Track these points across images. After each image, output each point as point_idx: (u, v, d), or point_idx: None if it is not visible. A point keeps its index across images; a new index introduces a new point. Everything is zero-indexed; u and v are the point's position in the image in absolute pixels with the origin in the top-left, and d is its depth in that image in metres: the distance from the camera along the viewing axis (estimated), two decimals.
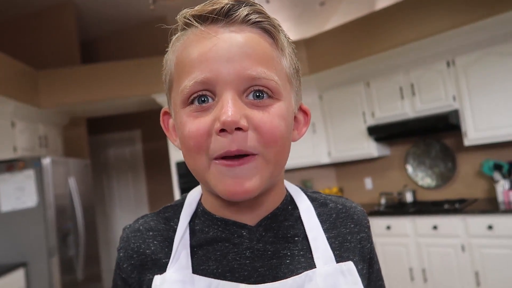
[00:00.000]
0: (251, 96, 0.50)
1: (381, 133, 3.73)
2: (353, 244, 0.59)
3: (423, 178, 3.86)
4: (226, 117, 0.46)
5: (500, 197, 3.21)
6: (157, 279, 0.54)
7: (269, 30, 0.52)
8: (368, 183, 4.27)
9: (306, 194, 0.62)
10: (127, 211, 5.60)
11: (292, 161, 4.15)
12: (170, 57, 0.56)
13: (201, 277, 0.53)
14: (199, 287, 0.52)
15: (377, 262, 0.65)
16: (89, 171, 4.29)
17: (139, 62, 3.97)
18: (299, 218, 0.58)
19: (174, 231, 0.57)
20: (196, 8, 0.51)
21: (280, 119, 0.50)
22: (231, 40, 0.49)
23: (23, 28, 4.52)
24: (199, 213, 0.58)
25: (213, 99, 0.50)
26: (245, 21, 0.50)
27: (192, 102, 0.50)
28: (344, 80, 3.96)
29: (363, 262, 0.60)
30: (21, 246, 3.40)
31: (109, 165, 5.67)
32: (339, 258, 0.56)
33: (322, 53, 3.91)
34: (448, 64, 3.34)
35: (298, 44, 4.05)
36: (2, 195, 3.42)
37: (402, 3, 3.46)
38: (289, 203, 0.59)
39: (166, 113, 0.60)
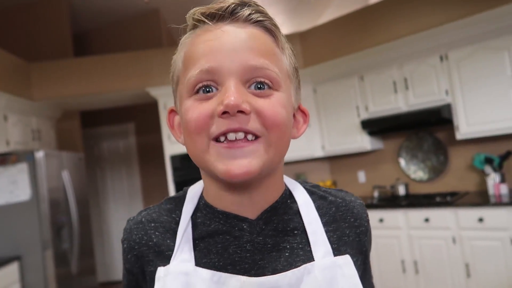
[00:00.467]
0: (253, 87, 0.52)
1: (374, 127, 3.76)
2: (351, 238, 0.60)
3: (416, 171, 3.91)
4: (228, 101, 0.48)
5: (491, 190, 3.26)
6: (161, 271, 0.55)
7: (271, 29, 0.55)
8: (361, 176, 4.31)
9: (305, 188, 0.63)
10: (121, 204, 5.60)
11: (287, 154, 4.16)
12: (178, 56, 0.57)
13: (203, 269, 0.54)
14: (202, 279, 0.53)
15: (368, 268, 0.66)
16: (82, 164, 4.28)
17: (133, 55, 3.95)
18: (298, 211, 0.59)
19: (177, 223, 0.59)
20: (204, 7, 0.54)
21: (281, 106, 0.53)
22: (236, 34, 0.52)
23: (15, 20, 4.47)
24: (201, 206, 0.59)
25: (217, 89, 0.51)
26: (248, 19, 0.53)
27: (197, 92, 0.52)
28: (338, 74, 3.97)
29: (359, 255, 0.61)
30: (15, 239, 3.39)
31: (103, 158, 5.66)
32: (337, 252, 0.57)
33: (317, 47, 3.92)
34: (441, 58, 3.36)
35: (292, 38, 4.06)
36: None
37: None
38: (288, 196, 0.61)
39: (172, 111, 0.61)
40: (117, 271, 5.55)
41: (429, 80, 3.43)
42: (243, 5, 0.53)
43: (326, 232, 0.58)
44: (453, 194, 3.48)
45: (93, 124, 5.42)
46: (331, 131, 4.10)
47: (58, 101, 4.04)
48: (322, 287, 0.53)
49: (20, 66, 3.70)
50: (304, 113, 0.63)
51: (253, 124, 0.50)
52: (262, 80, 0.52)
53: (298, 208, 0.59)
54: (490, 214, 2.93)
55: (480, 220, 2.96)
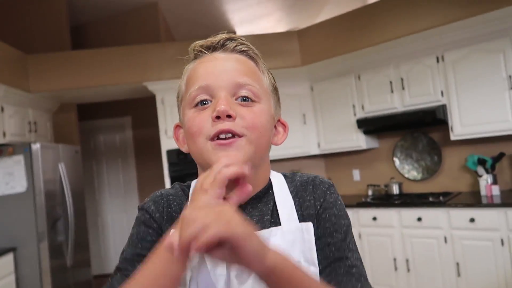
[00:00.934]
0: (239, 100, 0.66)
1: (370, 125, 3.79)
2: (312, 202, 0.71)
3: (410, 171, 3.95)
4: (220, 108, 0.63)
5: (483, 191, 3.30)
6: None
7: (252, 56, 0.71)
8: (356, 174, 4.34)
9: (284, 176, 0.76)
10: (116, 197, 5.61)
11: (283, 151, 4.20)
12: (182, 81, 0.73)
13: None
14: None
15: (338, 216, 0.70)
16: (79, 157, 4.28)
17: (131, 49, 3.95)
18: (273, 196, 0.71)
19: (187, 199, 0.71)
20: (202, 40, 0.71)
21: (261, 114, 0.67)
22: (225, 59, 0.68)
23: (13, 12, 4.45)
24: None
25: (211, 101, 0.66)
26: (235, 49, 0.69)
27: (196, 105, 0.67)
28: (336, 72, 3.99)
29: (317, 208, 0.71)
30: (11, 231, 3.40)
31: (99, 151, 5.66)
32: (302, 218, 0.69)
33: (314, 45, 3.93)
34: (437, 59, 3.39)
35: (290, 35, 4.07)
36: None
37: None
38: (270, 187, 0.72)
39: (177, 126, 0.75)
40: (112, 264, 5.57)
41: (425, 81, 3.46)
42: (230, 39, 0.69)
43: (295, 203, 0.70)
44: (446, 194, 3.52)
45: (90, 117, 5.42)
46: (327, 129, 4.13)
47: (55, 94, 4.04)
48: (284, 246, 0.63)
49: (18, 58, 3.69)
50: (284, 125, 0.75)
51: (238, 127, 0.64)
52: (246, 94, 0.66)
53: (273, 193, 0.71)
54: (481, 214, 2.97)
55: (472, 220, 3.00)
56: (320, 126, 4.18)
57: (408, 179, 3.96)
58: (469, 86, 3.24)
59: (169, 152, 3.97)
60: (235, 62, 0.68)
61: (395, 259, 3.41)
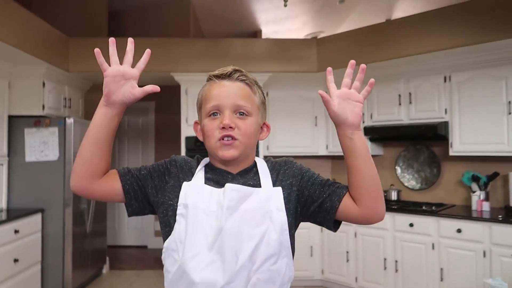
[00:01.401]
0: (238, 114, 0.99)
1: (376, 134, 4.05)
2: (286, 172, 1.04)
3: (409, 180, 4.19)
4: (225, 122, 0.96)
5: (474, 205, 3.54)
6: (185, 184, 1.00)
7: (249, 83, 1.03)
8: None
9: (264, 160, 1.08)
10: None
11: (293, 149, 4.51)
12: (201, 92, 1.06)
13: (206, 185, 0.99)
14: (205, 189, 0.98)
15: (310, 172, 1.05)
16: None
17: (161, 41, 4.28)
18: (257, 170, 1.04)
19: (197, 166, 1.05)
20: (214, 71, 1.03)
21: (251, 125, 1.00)
22: (230, 87, 1.00)
23: None
24: (209, 164, 1.06)
25: (219, 114, 0.99)
26: (237, 79, 1.01)
27: (210, 115, 1.00)
28: None
29: (293, 178, 1.02)
30: (41, 193, 3.79)
31: (122, 131, 6.04)
32: (275, 184, 1.01)
33: (332, 54, 4.19)
34: (445, 79, 3.63)
35: (310, 43, 4.34)
36: (27, 147, 3.80)
37: (410, 18, 3.71)
38: (254, 165, 1.06)
39: (196, 123, 1.08)
40: (124, 237, 5.97)
41: (431, 98, 3.70)
42: (235, 71, 1.00)
43: (271, 176, 1.02)
44: (440, 205, 3.76)
45: None
46: (336, 133, 4.39)
47: (90, 75, 4.40)
48: (262, 200, 0.96)
49: (61, 40, 4.06)
50: (267, 126, 1.08)
51: (235, 134, 0.97)
52: (242, 111, 0.99)
53: (257, 169, 1.04)
54: (468, 226, 3.21)
55: (459, 231, 3.25)
56: (330, 129, 4.46)
57: (407, 187, 4.21)
58: (471, 107, 3.46)
59: (188, 139, 4.29)
60: (236, 88, 0.99)
61: (385, 259, 3.68)
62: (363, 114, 4.09)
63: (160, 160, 1.07)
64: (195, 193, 0.96)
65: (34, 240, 3.60)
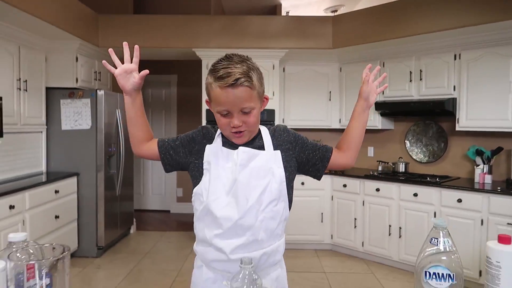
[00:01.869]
0: (244, 111, 1.18)
1: (387, 109, 4.25)
2: (285, 139, 1.29)
3: (418, 153, 4.41)
4: (235, 123, 1.17)
5: (477, 178, 3.75)
6: (208, 146, 1.26)
7: (250, 85, 1.16)
8: (370, 151, 4.84)
9: (266, 127, 1.32)
10: None
11: (307, 122, 4.77)
12: (210, 88, 1.20)
13: (224, 148, 1.24)
14: (223, 150, 1.24)
15: (303, 139, 1.32)
16: None
17: (184, 18, 4.51)
18: (262, 136, 1.29)
19: (215, 133, 1.31)
20: (218, 78, 1.16)
21: (255, 115, 1.20)
22: (234, 94, 1.15)
23: None
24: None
25: (229, 114, 1.18)
26: (240, 84, 1.15)
27: (221, 113, 1.20)
28: (363, 57, 4.44)
29: (290, 144, 1.29)
30: (76, 159, 4.18)
31: (147, 103, 6.38)
32: (275, 148, 1.27)
33: (347, 31, 4.35)
34: (455, 56, 3.77)
35: (326, 20, 4.50)
36: (63, 116, 4.16)
37: None
38: (259, 133, 1.29)
39: (207, 101, 1.26)
40: (148, 202, 6.41)
41: (441, 75, 3.86)
42: (236, 80, 1.13)
43: (272, 141, 1.28)
44: (445, 177, 3.98)
45: None
46: (349, 107, 4.62)
47: (118, 50, 4.68)
48: (265, 160, 1.22)
49: (92, 17, 4.34)
50: (266, 98, 1.28)
51: (242, 129, 1.19)
52: (247, 110, 1.17)
53: (262, 135, 1.29)
54: (468, 197, 3.44)
55: (459, 200, 3.48)
56: (343, 104, 4.67)
57: (415, 160, 4.43)
58: (479, 84, 3.62)
59: (208, 111, 4.58)
60: (240, 94, 1.14)
61: (390, 226, 3.96)
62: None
63: (188, 131, 1.35)
64: (215, 153, 1.24)
65: (71, 200, 4.02)
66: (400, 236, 3.89)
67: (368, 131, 4.82)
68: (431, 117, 4.28)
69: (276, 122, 4.55)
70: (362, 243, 4.19)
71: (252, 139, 1.27)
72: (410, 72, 4.06)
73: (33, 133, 4.01)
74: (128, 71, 1.22)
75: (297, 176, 1.33)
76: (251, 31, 4.49)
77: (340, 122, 4.73)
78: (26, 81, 3.71)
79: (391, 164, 4.44)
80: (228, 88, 1.14)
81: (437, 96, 3.88)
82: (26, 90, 3.72)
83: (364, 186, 4.14)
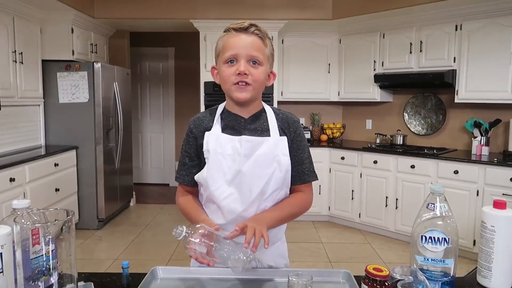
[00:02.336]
0: (251, 63, 1.15)
1: (386, 81, 4.23)
2: (287, 130, 1.24)
3: (416, 126, 4.42)
4: (241, 69, 1.13)
5: (474, 150, 3.77)
6: (206, 134, 1.21)
7: (262, 37, 1.17)
8: (369, 123, 4.85)
9: (271, 108, 1.27)
10: (155, 119, 6.36)
11: (306, 95, 4.75)
12: (220, 41, 1.20)
13: (223, 134, 1.20)
14: (223, 137, 1.19)
15: (300, 147, 1.26)
16: (129, 79, 4.95)
17: None
18: (266, 118, 1.24)
19: (213, 118, 1.25)
20: (233, 24, 1.17)
21: (261, 73, 1.16)
22: (246, 39, 1.15)
23: None
24: (224, 110, 1.25)
25: (236, 61, 1.15)
26: (253, 32, 1.15)
27: (227, 62, 1.15)
28: (363, 29, 4.37)
29: (294, 139, 1.24)
30: (74, 132, 4.18)
31: (144, 76, 6.33)
32: (281, 134, 1.22)
33: (346, 2, 4.27)
34: (456, 27, 3.72)
35: None
36: (60, 89, 4.13)
37: None
38: (263, 111, 1.26)
39: (213, 67, 1.24)
40: (148, 175, 6.46)
41: (441, 46, 3.82)
42: (250, 26, 1.14)
43: (277, 125, 1.23)
44: (442, 149, 4.00)
45: (138, 44, 6.01)
46: (348, 79, 4.59)
47: (113, 21, 4.61)
48: (270, 147, 1.18)
49: None
50: (274, 74, 1.25)
51: (248, 80, 1.14)
52: (255, 60, 1.14)
53: (267, 117, 1.24)
54: (464, 168, 3.48)
55: (456, 172, 3.52)
56: (342, 76, 4.64)
57: (413, 133, 4.44)
58: (479, 56, 3.59)
59: (206, 84, 4.55)
60: (251, 41, 1.14)
61: (387, 198, 4.01)
62: (374, 62, 4.28)
63: (184, 110, 1.30)
64: (214, 140, 1.19)
65: (70, 173, 4.04)
66: (396, 207, 3.95)
67: (366, 103, 4.86)
68: (430, 90, 4.27)
69: (275, 95, 4.52)
70: (359, 214, 4.25)
71: (256, 117, 1.22)
72: (411, 44, 4.02)
73: (30, 106, 3.99)
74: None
75: None
76: (249, 1, 4.40)
77: (339, 94, 4.71)
78: (21, 53, 3.65)
79: (389, 137, 4.46)
80: (241, 33, 1.14)
81: (437, 68, 3.85)
82: (22, 63, 3.67)
83: (362, 159, 4.17)
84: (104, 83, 4.20)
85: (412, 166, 3.80)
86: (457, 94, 3.77)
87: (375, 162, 4.06)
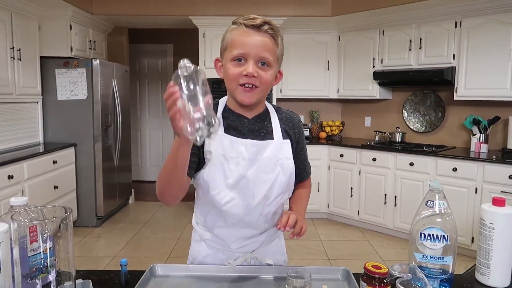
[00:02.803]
0: (260, 64, 1.07)
1: (385, 78, 4.22)
2: (292, 131, 1.21)
3: (415, 123, 4.42)
4: (249, 70, 1.05)
5: (473, 147, 3.77)
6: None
7: (274, 36, 1.09)
8: (368, 121, 4.85)
9: (274, 108, 1.22)
10: (154, 116, 6.35)
11: (305, 92, 4.74)
12: (228, 34, 1.11)
13: (227, 135, 1.12)
14: (226, 138, 1.11)
15: (303, 146, 1.26)
16: (127, 76, 4.93)
17: None
18: (270, 119, 1.20)
19: (216, 112, 1.16)
20: (244, 18, 1.08)
21: (270, 75, 1.09)
22: (257, 38, 1.07)
23: None
24: (226, 108, 1.17)
25: (244, 61, 1.07)
26: (265, 31, 1.07)
27: (234, 60, 1.08)
28: (362, 26, 4.36)
29: (298, 140, 1.22)
30: (73, 129, 4.16)
31: (143, 73, 6.31)
32: (284, 137, 1.18)
33: None
34: (455, 24, 3.71)
35: None
36: (58, 86, 4.12)
37: None
38: (266, 111, 1.20)
39: (217, 59, 1.16)
40: (147, 173, 6.45)
41: (441, 43, 3.81)
42: (263, 24, 1.06)
43: (280, 127, 1.19)
44: (441, 146, 4.00)
45: (137, 41, 5.99)
46: (347, 77, 4.59)
47: (112, 17, 4.59)
48: (274, 150, 1.14)
49: None
50: (281, 74, 1.19)
51: (256, 82, 1.06)
52: (265, 61, 1.07)
53: (270, 118, 1.19)
54: (463, 165, 3.48)
55: (455, 169, 3.52)
56: (342, 73, 4.63)
57: (412, 130, 4.44)
58: (478, 53, 3.59)
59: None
60: (263, 41, 1.05)
61: (385, 195, 4.01)
62: (373, 59, 4.27)
63: None
64: (217, 141, 1.10)
65: (69, 171, 4.04)
66: (395, 205, 3.95)
67: (365, 101, 4.86)
68: (429, 87, 4.27)
69: (274, 93, 4.51)
70: (358, 211, 4.26)
71: (260, 118, 1.17)
72: (410, 41, 4.01)
73: (29, 103, 3.98)
74: None
75: None
76: None
77: (338, 92, 4.71)
78: (19, 50, 3.64)
79: (388, 134, 4.46)
80: (252, 30, 1.06)
81: (436, 65, 3.85)
82: (20, 59, 3.65)
83: (361, 156, 4.17)
84: (102, 80, 4.19)
85: (411, 164, 3.80)
86: (456, 92, 3.77)
87: (374, 159, 4.06)
